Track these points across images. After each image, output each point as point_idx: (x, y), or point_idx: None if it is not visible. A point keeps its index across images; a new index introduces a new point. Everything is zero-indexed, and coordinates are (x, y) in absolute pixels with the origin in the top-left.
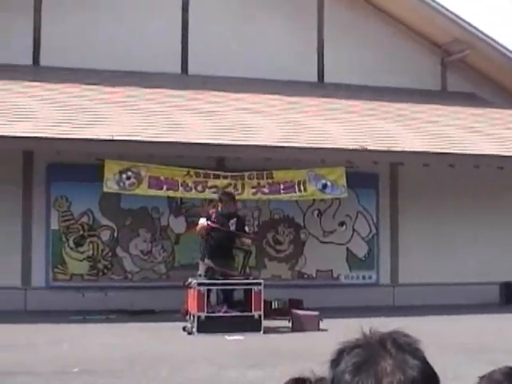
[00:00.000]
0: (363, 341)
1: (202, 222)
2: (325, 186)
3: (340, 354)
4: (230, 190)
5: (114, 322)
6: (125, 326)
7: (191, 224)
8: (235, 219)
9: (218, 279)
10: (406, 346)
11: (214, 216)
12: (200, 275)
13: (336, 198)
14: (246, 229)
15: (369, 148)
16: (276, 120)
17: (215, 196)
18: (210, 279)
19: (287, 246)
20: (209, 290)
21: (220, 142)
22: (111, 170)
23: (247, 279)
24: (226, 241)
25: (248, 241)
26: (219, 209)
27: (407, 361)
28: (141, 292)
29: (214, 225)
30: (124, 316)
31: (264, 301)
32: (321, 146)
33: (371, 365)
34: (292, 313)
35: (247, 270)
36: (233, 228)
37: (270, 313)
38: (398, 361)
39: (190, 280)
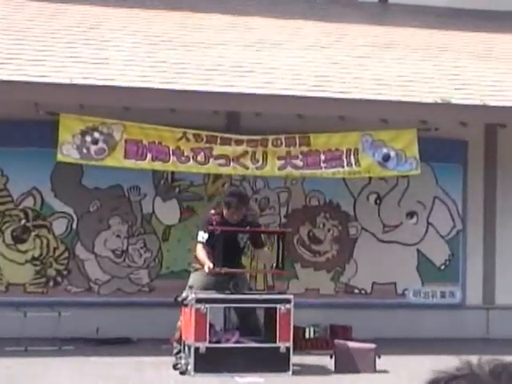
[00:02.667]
0: (467, 370)
1: (202, 238)
2: (387, 158)
3: None
4: (241, 188)
5: (72, 356)
6: (87, 361)
7: (187, 211)
8: (247, 228)
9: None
10: None
11: (214, 223)
12: (191, 287)
13: (403, 176)
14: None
15: (453, 101)
16: (314, 57)
17: (223, 170)
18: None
19: (329, 246)
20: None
21: (231, 89)
22: (69, 129)
23: (270, 294)
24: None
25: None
26: (225, 214)
27: None
28: (112, 311)
29: (214, 269)
30: (86, 347)
31: (294, 326)
32: (381, 97)
33: None
34: (335, 345)
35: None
36: (244, 243)
37: (303, 344)
38: None
39: (184, 295)
